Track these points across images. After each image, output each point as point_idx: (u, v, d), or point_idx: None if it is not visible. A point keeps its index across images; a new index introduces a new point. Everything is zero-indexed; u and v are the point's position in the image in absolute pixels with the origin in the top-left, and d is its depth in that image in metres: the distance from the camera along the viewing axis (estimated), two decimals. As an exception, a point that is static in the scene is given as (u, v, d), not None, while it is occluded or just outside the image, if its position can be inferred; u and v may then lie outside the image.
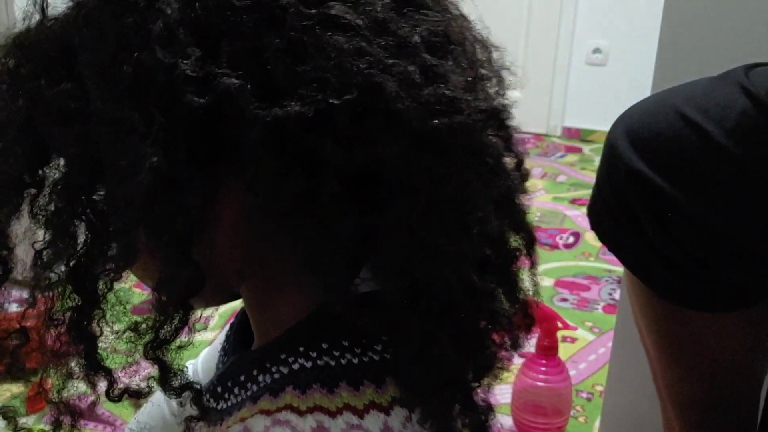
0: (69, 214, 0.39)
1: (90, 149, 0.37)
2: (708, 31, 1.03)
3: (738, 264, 0.68)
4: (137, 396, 0.43)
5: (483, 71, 0.43)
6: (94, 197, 0.39)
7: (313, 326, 0.43)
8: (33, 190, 0.40)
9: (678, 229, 0.68)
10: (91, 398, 0.43)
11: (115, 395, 0.43)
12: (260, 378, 0.43)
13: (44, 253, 0.40)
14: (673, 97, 0.71)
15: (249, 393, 0.43)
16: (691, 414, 0.81)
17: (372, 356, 0.42)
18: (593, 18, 3.85)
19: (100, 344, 0.41)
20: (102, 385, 0.43)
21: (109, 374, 0.42)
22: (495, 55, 0.45)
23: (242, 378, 0.45)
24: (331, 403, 0.39)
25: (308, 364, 0.41)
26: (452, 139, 0.38)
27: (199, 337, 1.89)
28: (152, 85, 0.35)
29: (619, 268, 0.78)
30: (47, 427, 0.43)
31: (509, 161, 0.45)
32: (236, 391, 0.45)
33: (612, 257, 0.76)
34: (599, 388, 1.64)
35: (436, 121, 0.37)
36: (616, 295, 2.06)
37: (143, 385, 0.44)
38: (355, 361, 0.41)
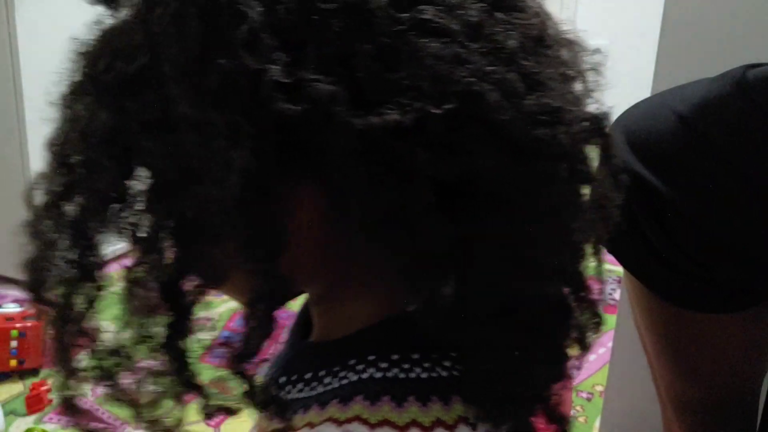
0: (157, 228, 0.38)
1: (178, 158, 0.36)
2: (708, 31, 1.03)
3: (737, 265, 0.68)
4: (230, 413, 0.42)
5: (571, 72, 0.42)
6: (182, 209, 0.37)
7: (384, 335, 0.42)
8: (118, 205, 0.39)
9: (677, 231, 0.68)
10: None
11: (209, 412, 0.42)
12: (326, 380, 0.42)
13: (134, 269, 0.39)
14: (671, 99, 0.71)
15: (314, 393, 0.43)
16: (691, 414, 0.81)
17: (440, 372, 0.41)
18: (593, 18, 3.85)
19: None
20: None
21: (201, 391, 0.41)
22: (584, 56, 0.43)
23: (307, 376, 0.44)
24: (400, 418, 0.39)
25: (378, 375, 0.41)
26: (553, 150, 0.37)
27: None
28: (238, 89, 0.34)
29: (620, 268, 0.78)
30: None
31: (604, 169, 0.44)
32: (300, 386, 0.44)
33: (612, 257, 0.76)
34: (599, 388, 1.64)
35: (538, 132, 0.36)
36: (616, 295, 2.06)
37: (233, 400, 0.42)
38: (424, 376, 0.41)
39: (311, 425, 0.40)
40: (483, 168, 0.36)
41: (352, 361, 0.41)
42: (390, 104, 0.34)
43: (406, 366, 0.41)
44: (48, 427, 1.49)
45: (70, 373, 0.41)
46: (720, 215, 0.66)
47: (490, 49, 0.36)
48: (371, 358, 0.41)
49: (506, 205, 0.37)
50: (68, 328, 0.40)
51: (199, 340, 0.40)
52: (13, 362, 1.63)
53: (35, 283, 0.40)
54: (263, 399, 0.40)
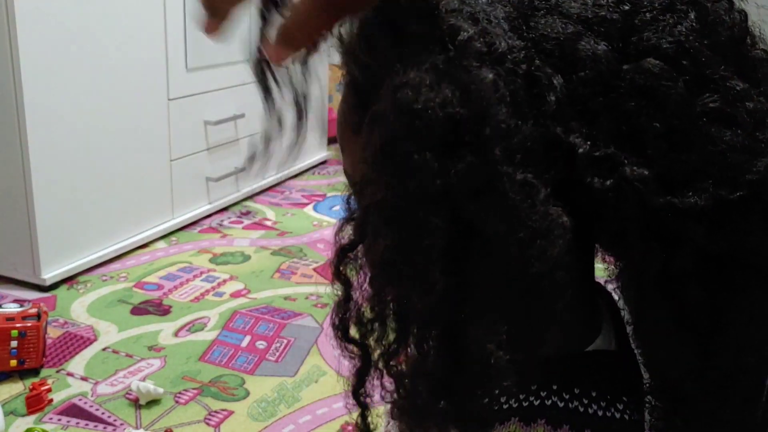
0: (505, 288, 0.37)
1: (507, 217, 0.35)
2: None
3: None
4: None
5: None
6: (512, 267, 0.37)
7: (573, 367, 0.44)
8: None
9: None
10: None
11: None
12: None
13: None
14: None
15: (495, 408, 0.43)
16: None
17: (614, 413, 0.43)
18: None
19: None
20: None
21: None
22: None
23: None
24: None
25: (560, 404, 0.42)
26: None
27: (199, 337, 1.89)
28: (546, 157, 0.35)
29: (619, 269, 0.77)
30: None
31: None
32: None
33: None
34: None
35: None
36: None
37: None
38: (600, 413, 0.43)
39: None
40: (757, 247, 0.37)
41: (534, 387, 0.43)
42: (688, 187, 0.35)
43: (585, 401, 0.43)
44: (48, 427, 1.49)
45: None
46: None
47: None
48: (554, 387, 0.43)
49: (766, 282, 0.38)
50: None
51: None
52: (13, 362, 1.63)
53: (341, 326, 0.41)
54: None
